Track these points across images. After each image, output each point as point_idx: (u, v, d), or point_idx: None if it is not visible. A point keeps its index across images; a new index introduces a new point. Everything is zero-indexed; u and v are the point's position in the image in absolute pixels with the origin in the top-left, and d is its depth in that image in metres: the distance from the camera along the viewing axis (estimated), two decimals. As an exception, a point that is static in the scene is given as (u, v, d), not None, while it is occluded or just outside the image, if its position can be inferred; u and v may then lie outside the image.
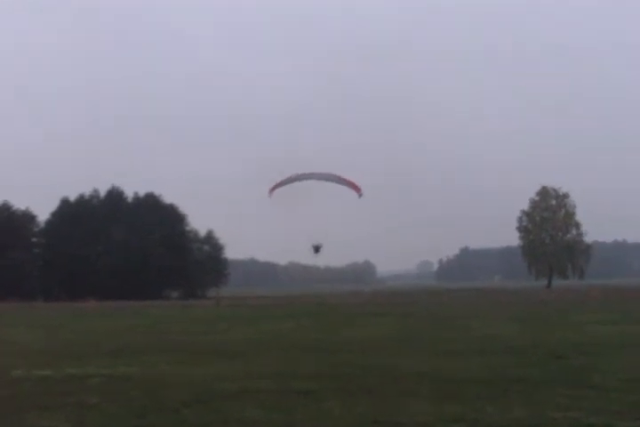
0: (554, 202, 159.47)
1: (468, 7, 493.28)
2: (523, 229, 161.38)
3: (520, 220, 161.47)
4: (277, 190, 40.57)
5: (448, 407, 14.09)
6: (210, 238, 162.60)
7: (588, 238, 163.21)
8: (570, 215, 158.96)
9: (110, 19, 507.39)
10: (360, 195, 40.41)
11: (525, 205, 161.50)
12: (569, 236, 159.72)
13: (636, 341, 27.18)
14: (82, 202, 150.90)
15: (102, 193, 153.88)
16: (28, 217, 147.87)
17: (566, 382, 16.97)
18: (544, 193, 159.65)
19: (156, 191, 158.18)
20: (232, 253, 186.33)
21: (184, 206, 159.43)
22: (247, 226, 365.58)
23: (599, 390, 15.63)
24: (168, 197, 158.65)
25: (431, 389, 16.17)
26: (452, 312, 56.07)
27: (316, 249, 45.66)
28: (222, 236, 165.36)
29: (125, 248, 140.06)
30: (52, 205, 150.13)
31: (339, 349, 25.87)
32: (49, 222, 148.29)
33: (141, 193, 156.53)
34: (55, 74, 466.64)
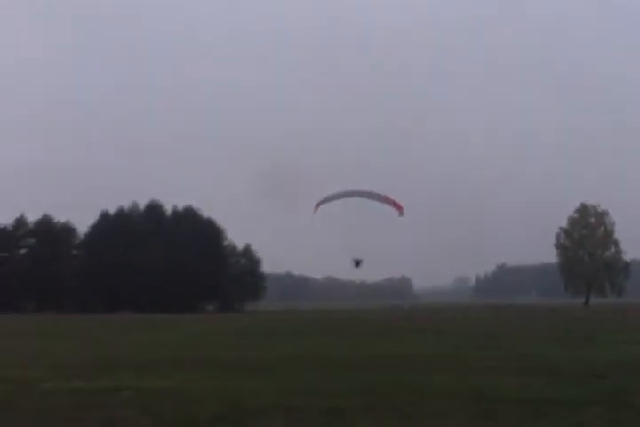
0: (593, 219, 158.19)
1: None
2: (561, 247, 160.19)
3: (558, 237, 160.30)
4: (321, 206, 42.16)
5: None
6: (247, 252, 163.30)
7: (627, 256, 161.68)
8: (609, 233, 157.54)
9: (131, 34, 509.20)
10: (401, 213, 41.62)
11: (564, 223, 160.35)
12: (607, 253, 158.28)
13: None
14: (121, 215, 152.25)
15: (141, 206, 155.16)
16: (67, 230, 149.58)
17: (606, 403, 16.50)
18: (583, 210, 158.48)
19: (195, 205, 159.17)
20: (269, 267, 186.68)
21: (222, 220, 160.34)
22: (284, 240, 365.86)
23: None
24: (206, 211, 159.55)
25: (465, 408, 15.80)
26: (488, 330, 55.42)
27: (357, 263, 46.94)
28: (259, 250, 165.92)
29: (164, 261, 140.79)
30: (92, 217, 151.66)
31: (372, 365, 25.57)
32: (88, 235, 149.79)
33: (180, 207, 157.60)
34: (94, 85, 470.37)
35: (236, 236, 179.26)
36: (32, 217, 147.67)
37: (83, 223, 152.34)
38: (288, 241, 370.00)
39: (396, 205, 41.81)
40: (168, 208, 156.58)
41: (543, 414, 15.26)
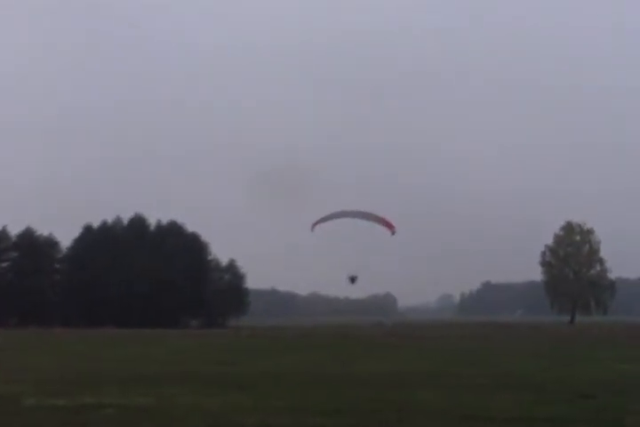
0: (578, 237, 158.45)
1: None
2: (546, 264, 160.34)
3: (544, 255, 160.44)
4: (318, 226, 44.76)
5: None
6: (231, 267, 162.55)
7: (613, 275, 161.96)
8: (594, 251, 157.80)
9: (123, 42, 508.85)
10: (393, 232, 44.18)
11: (549, 240, 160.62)
12: (593, 271, 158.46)
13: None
14: (105, 229, 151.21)
15: (125, 220, 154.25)
16: (50, 243, 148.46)
17: (596, 422, 16.29)
18: (568, 228, 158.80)
19: (179, 220, 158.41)
20: (253, 282, 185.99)
21: (206, 235, 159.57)
22: (268, 256, 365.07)
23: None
24: (191, 226, 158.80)
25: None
26: (474, 347, 55.24)
27: (352, 280, 48.71)
28: (243, 265, 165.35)
29: (147, 276, 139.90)
30: (75, 231, 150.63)
31: (356, 383, 25.30)
32: (71, 249, 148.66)
33: (164, 221, 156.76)
34: (80, 98, 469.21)
35: (221, 251, 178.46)
36: (14, 230, 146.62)
37: (66, 237, 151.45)
38: (273, 257, 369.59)
39: (388, 224, 43.97)
40: (152, 222, 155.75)
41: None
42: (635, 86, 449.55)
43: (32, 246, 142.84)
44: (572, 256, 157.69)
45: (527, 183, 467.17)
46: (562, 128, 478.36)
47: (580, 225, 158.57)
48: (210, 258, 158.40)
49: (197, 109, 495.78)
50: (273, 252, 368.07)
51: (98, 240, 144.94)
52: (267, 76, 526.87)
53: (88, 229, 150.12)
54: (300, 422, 16.14)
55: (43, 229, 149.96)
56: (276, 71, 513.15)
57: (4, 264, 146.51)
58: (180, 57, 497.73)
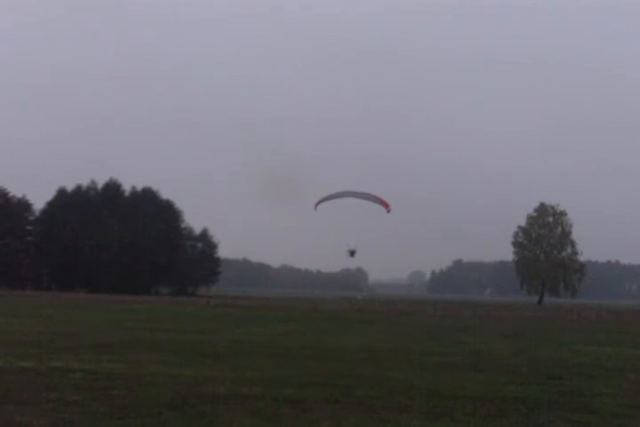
0: (551, 219, 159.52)
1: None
2: (518, 245, 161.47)
3: (516, 235, 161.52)
4: (319, 203, 47.53)
5: (442, 426, 13.48)
6: (204, 236, 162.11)
7: (583, 257, 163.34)
8: (566, 233, 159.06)
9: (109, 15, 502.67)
10: (388, 211, 46.75)
11: (523, 221, 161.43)
12: (564, 254, 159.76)
13: (633, 365, 26.55)
14: (79, 193, 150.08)
15: (100, 185, 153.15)
16: (23, 205, 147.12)
17: (565, 404, 16.34)
18: (542, 210, 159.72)
19: (154, 186, 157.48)
20: (225, 252, 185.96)
21: (181, 203, 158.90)
22: (242, 226, 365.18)
23: (601, 416, 14.99)
24: (165, 193, 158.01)
25: (424, 404, 15.52)
26: (444, 324, 55.52)
27: (352, 253, 50.43)
28: (216, 234, 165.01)
29: (119, 241, 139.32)
30: (49, 194, 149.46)
31: (330, 357, 25.28)
32: (45, 211, 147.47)
33: (139, 187, 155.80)
34: (58, 66, 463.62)
35: (195, 219, 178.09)
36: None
37: (39, 200, 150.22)
38: (248, 227, 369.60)
39: (384, 203, 46.56)
40: (127, 188, 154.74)
41: (505, 412, 15.04)
42: (595, 67, 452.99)
43: (4, 207, 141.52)
44: (544, 238, 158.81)
45: (504, 163, 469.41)
46: (535, 112, 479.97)
47: (553, 207, 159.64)
48: (183, 226, 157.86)
49: (182, 80, 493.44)
50: (247, 222, 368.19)
51: (71, 204, 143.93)
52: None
53: (62, 193, 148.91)
54: (275, 394, 16.04)
55: (16, 191, 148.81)
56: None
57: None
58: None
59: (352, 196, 47.83)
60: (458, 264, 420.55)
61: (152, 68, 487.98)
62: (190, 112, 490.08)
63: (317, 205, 47.67)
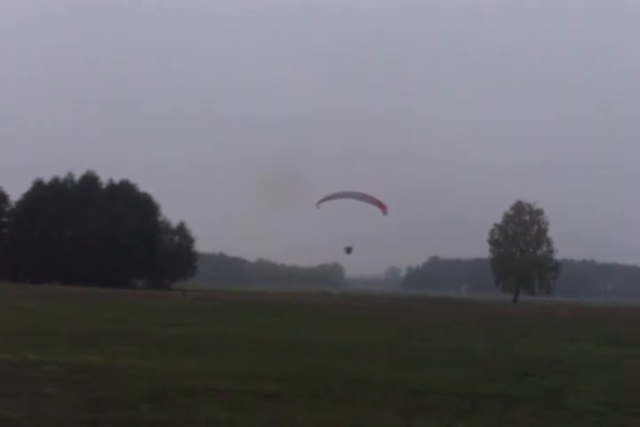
0: (527, 217, 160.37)
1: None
2: (494, 243, 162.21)
3: (492, 233, 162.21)
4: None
5: (417, 421, 13.54)
6: (181, 230, 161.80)
7: (558, 256, 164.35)
8: (542, 231, 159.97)
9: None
10: (385, 213, 47.58)
11: (499, 219, 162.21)
12: (539, 252, 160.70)
13: (609, 362, 26.81)
14: (55, 185, 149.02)
15: (77, 177, 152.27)
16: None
17: (539, 401, 16.47)
18: (518, 208, 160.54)
19: (132, 180, 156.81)
20: (202, 246, 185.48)
21: (158, 196, 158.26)
22: (219, 220, 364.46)
23: (575, 413, 15.12)
24: (143, 186, 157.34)
25: (399, 400, 15.60)
26: (419, 320, 55.74)
27: (348, 250, 50.86)
28: (193, 228, 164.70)
29: (96, 234, 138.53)
30: (25, 186, 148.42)
31: (307, 351, 25.33)
32: (20, 203, 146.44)
33: (116, 180, 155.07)
34: (33, 56, 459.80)
35: (172, 213, 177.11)
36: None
37: (15, 191, 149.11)
38: (224, 221, 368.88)
39: (381, 205, 47.54)
40: (104, 181, 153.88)
41: (479, 408, 15.14)
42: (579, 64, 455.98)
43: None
44: (520, 235, 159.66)
45: (482, 160, 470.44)
46: (514, 105, 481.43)
47: (529, 205, 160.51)
48: (160, 219, 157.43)
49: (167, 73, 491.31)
50: (224, 216, 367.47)
51: (48, 196, 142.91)
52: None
53: (39, 184, 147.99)
54: (252, 388, 16.07)
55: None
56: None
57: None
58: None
59: (353, 197, 48.38)
60: (434, 261, 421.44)
61: (139, 61, 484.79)
62: (175, 105, 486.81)
63: (319, 203, 48.43)
